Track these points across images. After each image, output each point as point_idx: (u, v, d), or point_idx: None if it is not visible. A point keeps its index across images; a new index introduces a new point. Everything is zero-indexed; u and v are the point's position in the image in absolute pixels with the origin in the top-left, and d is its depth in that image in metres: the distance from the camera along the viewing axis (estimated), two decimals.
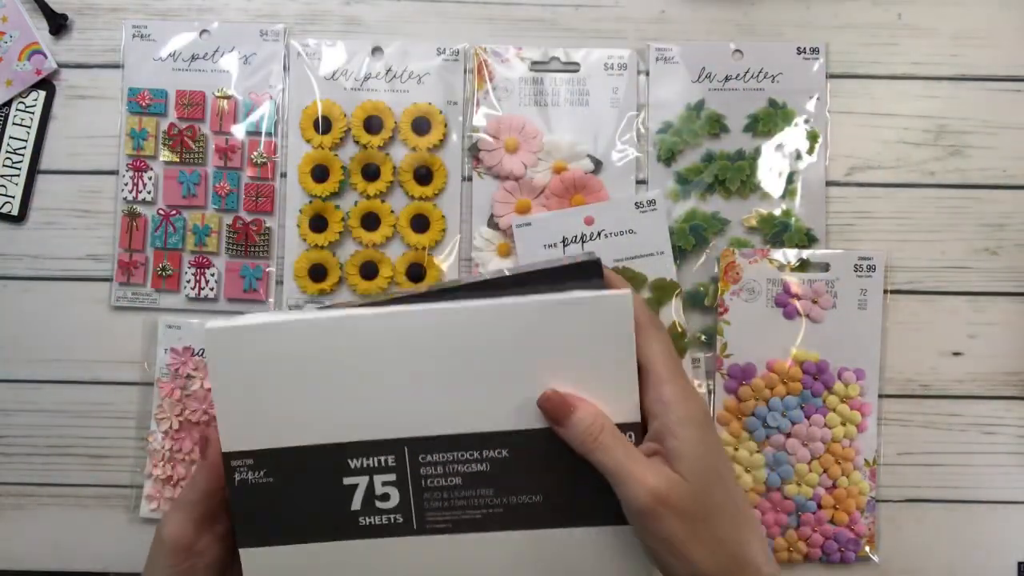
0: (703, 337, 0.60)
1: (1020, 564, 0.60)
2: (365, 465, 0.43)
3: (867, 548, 0.59)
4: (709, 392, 0.60)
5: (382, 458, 0.43)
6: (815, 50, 0.60)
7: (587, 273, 0.45)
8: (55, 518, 0.60)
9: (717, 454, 0.40)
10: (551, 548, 0.43)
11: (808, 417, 0.59)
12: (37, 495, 0.61)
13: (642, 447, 0.41)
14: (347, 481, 0.43)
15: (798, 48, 0.60)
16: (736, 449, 0.59)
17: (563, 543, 0.43)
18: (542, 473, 0.43)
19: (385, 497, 0.43)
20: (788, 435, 0.59)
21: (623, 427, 0.42)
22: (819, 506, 0.59)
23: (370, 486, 0.43)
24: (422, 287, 0.56)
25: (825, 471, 0.59)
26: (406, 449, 0.43)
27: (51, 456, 0.61)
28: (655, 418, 0.41)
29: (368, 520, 0.43)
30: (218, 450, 0.43)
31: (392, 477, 0.43)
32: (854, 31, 0.61)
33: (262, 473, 0.43)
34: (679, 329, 0.58)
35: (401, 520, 0.43)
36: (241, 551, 0.43)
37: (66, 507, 0.61)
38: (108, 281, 0.60)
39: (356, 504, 0.43)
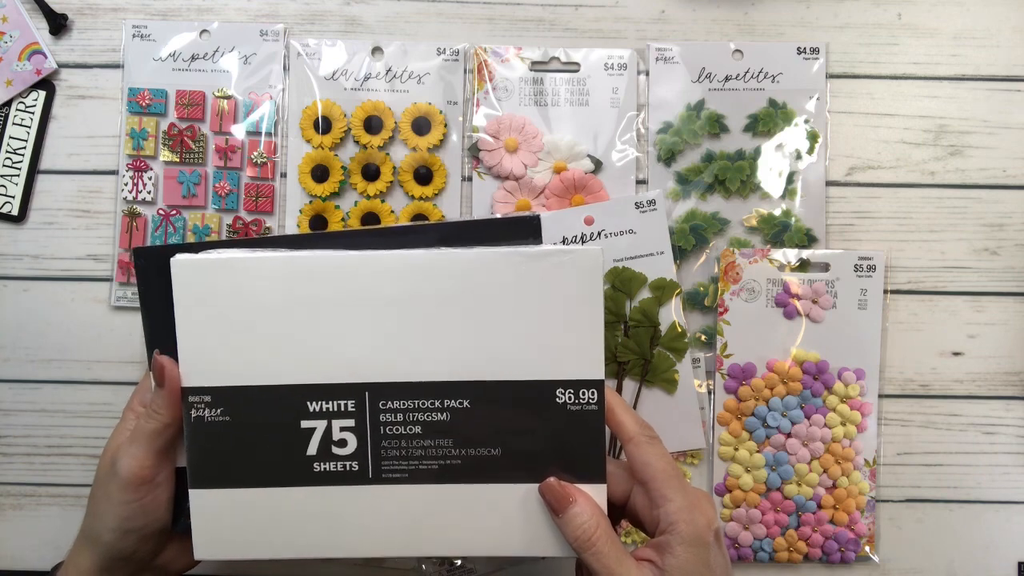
0: (703, 337, 0.60)
1: (1020, 564, 0.60)
2: (324, 409, 0.42)
3: (867, 548, 0.59)
4: (709, 392, 0.60)
5: (342, 402, 0.42)
6: (815, 50, 0.60)
7: (525, 229, 0.45)
8: (55, 518, 0.60)
9: (714, 574, 0.40)
10: (507, 503, 0.43)
11: (808, 417, 0.59)
12: (37, 495, 0.61)
13: (637, 551, 0.41)
14: (305, 425, 0.42)
15: (798, 48, 0.60)
16: (736, 449, 0.59)
17: (520, 499, 0.43)
18: (502, 426, 0.42)
19: (342, 443, 0.42)
20: (788, 435, 0.59)
21: (586, 384, 0.42)
22: (819, 506, 0.59)
23: (328, 431, 0.42)
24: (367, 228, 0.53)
25: (825, 471, 0.59)
26: (367, 394, 0.42)
27: (51, 456, 0.61)
28: (660, 532, 0.41)
29: (323, 467, 0.43)
30: (176, 377, 0.42)
31: (351, 423, 0.42)
32: (854, 31, 0.61)
33: (219, 411, 0.42)
34: (679, 329, 0.58)
35: (357, 468, 0.43)
36: (191, 492, 0.43)
37: (66, 507, 0.61)
38: (108, 281, 0.60)
39: (312, 449, 0.42)
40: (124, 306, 0.60)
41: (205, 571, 0.59)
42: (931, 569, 0.60)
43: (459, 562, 0.58)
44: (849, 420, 0.59)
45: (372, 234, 0.48)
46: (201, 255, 0.43)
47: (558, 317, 0.42)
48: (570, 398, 0.42)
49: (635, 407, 0.58)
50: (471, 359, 0.42)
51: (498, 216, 0.45)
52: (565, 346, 0.42)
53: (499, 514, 0.43)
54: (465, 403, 0.42)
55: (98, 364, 0.60)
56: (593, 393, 0.42)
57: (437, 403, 0.42)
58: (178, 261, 0.42)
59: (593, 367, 0.42)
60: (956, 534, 0.60)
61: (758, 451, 0.59)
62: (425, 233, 0.45)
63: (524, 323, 0.42)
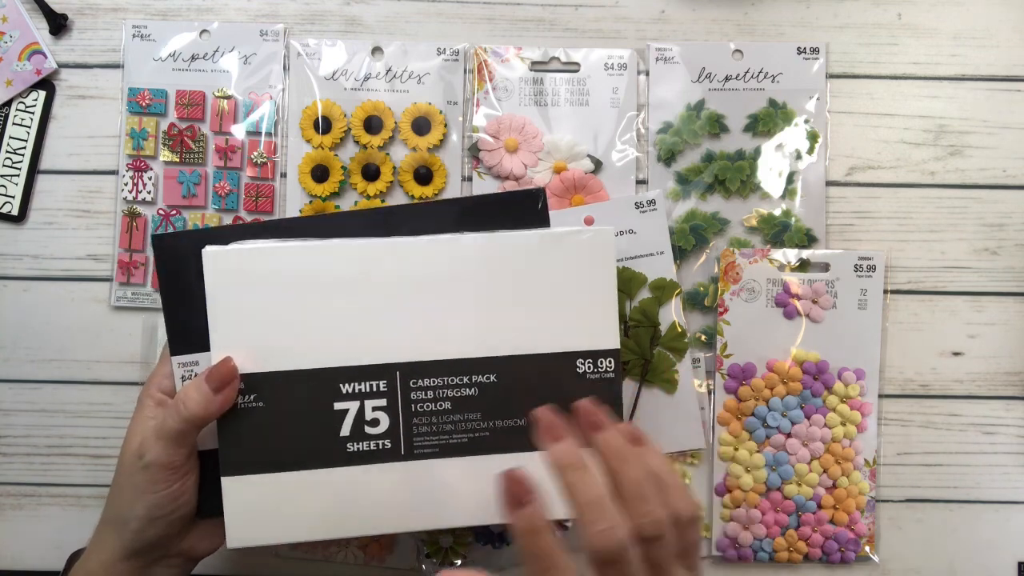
0: (703, 337, 0.60)
1: (1020, 564, 0.60)
2: (357, 390, 0.44)
3: (867, 548, 0.59)
4: (709, 392, 0.60)
5: (374, 383, 0.44)
6: (815, 50, 0.60)
7: (530, 202, 0.47)
8: (55, 518, 0.60)
9: None
10: (533, 471, 0.44)
11: (808, 417, 0.59)
12: (37, 495, 0.61)
13: None
14: (338, 406, 0.44)
15: (798, 48, 0.60)
16: (736, 449, 0.59)
17: (544, 466, 0.44)
18: (527, 397, 0.44)
19: (375, 423, 0.44)
20: (788, 435, 0.59)
21: (603, 353, 0.45)
22: (819, 506, 0.59)
23: (360, 411, 0.44)
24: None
25: (825, 471, 0.59)
26: (398, 374, 0.44)
27: (51, 456, 0.61)
28: None
29: (356, 446, 0.44)
30: (235, 390, 0.43)
31: (383, 402, 0.44)
32: (854, 31, 0.61)
33: (252, 398, 0.43)
34: (679, 329, 0.58)
35: (389, 445, 0.44)
36: (223, 480, 0.43)
37: (66, 507, 0.61)
38: (108, 281, 0.60)
39: (345, 430, 0.44)
40: (124, 306, 0.60)
41: (207, 569, 0.59)
42: (931, 569, 0.60)
43: (459, 562, 0.58)
44: (849, 420, 0.59)
45: (381, 212, 0.49)
46: (232, 246, 0.44)
47: (575, 292, 0.45)
48: (589, 367, 0.45)
49: (635, 407, 0.58)
50: (496, 335, 0.45)
51: (503, 192, 0.48)
52: (583, 319, 0.45)
53: None
54: (492, 377, 0.44)
55: (98, 364, 0.60)
56: (610, 362, 0.45)
57: (465, 379, 0.44)
58: (209, 252, 0.43)
59: (609, 337, 0.45)
60: (956, 534, 0.60)
61: (758, 451, 0.59)
62: (439, 209, 0.47)
63: (544, 299, 0.45)
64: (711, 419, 0.60)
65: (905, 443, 0.60)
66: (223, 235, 0.45)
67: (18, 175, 0.60)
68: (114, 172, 0.60)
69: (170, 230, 0.60)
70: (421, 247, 0.44)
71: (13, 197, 0.60)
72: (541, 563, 0.36)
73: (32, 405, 0.60)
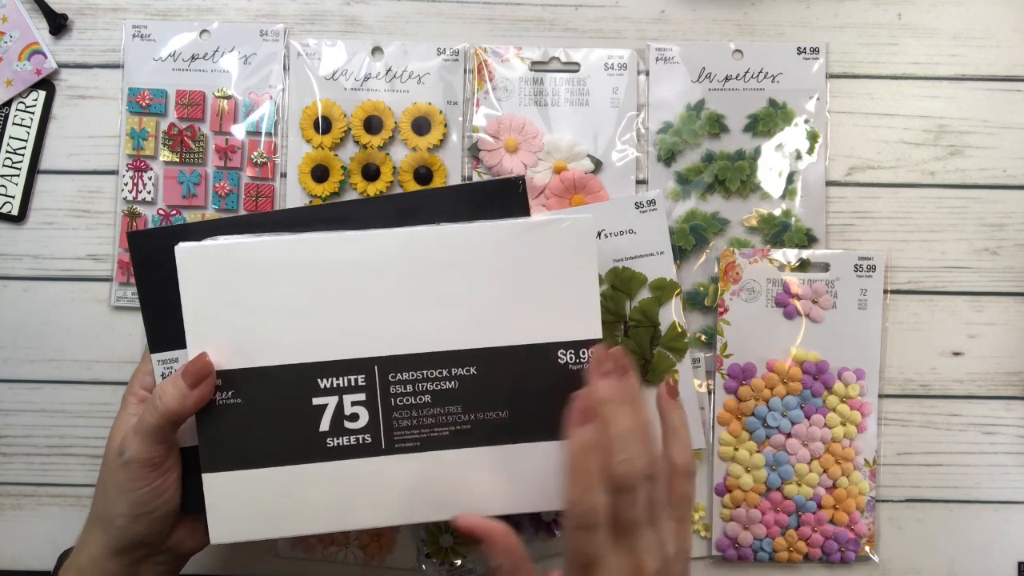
0: (703, 337, 0.60)
1: (1020, 564, 0.60)
2: (335, 385, 0.43)
3: (867, 548, 0.59)
4: (709, 392, 0.60)
5: (352, 377, 0.43)
6: (815, 50, 0.60)
7: (510, 190, 0.47)
8: (55, 518, 0.60)
9: None
10: (515, 462, 0.44)
11: (808, 417, 0.59)
12: (37, 495, 0.61)
13: None
14: (316, 401, 0.43)
15: (798, 48, 0.60)
16: (736, 449, 0.59)
17: (527, 457, 0.44)
18: (508, 389, 0.44)
19: (354, 417, 0.44)
20: (788, 435, 0.59)
21: (584, 343, 0.45)
22: (819, 506, 0.59)
23: (339, 406, 0.43)
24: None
25: (825, 471, 0.59)
26: (376, 368, 0.44)
27: (51, 456, 0.61)
28: None
29: (336, 441, 0.44)
30: (212, 388, 0.43)
31: (362, 397, 0.44)
32: (854, 31, 0.61)
33: (230, 394, 0.43)
34: (679, 329, 0.58)
35: (369, 440, 0.44)
36: (204, 477, 0.43)
37: (66, 507, 0.61)
38: (108, 281, 0.60)
39: (324, 425, 0.43)
40: (124, 306, 0.60)
41: (205, 570, 0.59)
42: (931, 569, 0.60)
43: (459, 562, 0.58)
44: (849, 420, 0.59)
45: (362, 203, 0.49)
46: (206, 242, 0.43)
47: (556, 282, 0.44)
48: (571, 358, 0.45)
49: None
50: (476, 327, 0.44)
51: (482, 180, 0.49)
52: (564, 309, 0.44)
53: (510, 473, 0.44)
54: (472, 370, 0.44)
55: (98, 364, 0.60)
56: (591, 352, 0.44)
57: (445, 372, 0.44)
58: (182, 249, 0.43)
59: (591, 327, 0.45)
60: (956, 534, 0.60)
61: (758, 451, 0.59)
62: (416, 200, 0.47)
63: (524, 290, 0.44)
64: (711, 419, 0.60)
65: (905, 443, 0.60)
66: (198, 231, 0.44)
67: (18, 175, 0.60)
68: (114, 172, 0.60)
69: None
70: (398, 239, 0.44)
71: (13, 197, 0.60)
72: (577, 460, 0.40)
73: (32, 405, 0.60)
